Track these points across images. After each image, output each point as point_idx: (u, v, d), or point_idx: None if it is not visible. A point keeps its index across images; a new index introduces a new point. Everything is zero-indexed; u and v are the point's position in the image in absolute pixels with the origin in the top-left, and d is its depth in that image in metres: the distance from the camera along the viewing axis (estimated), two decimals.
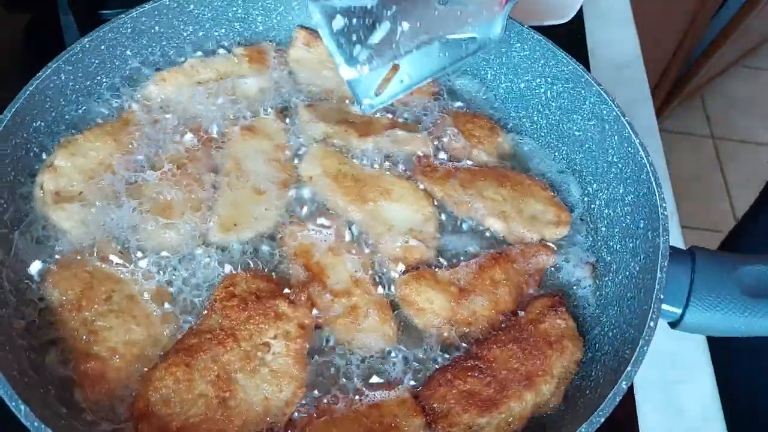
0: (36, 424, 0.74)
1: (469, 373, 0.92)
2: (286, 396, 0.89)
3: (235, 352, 0.90)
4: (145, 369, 0.90)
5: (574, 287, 1.07)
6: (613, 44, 1.75)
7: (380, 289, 1.02)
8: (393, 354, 0.97)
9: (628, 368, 0.84)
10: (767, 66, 4.50)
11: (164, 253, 1.02)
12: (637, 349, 0.85)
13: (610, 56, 1.71)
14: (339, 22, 0.80)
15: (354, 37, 0.83)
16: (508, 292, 1.02)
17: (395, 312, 1.01)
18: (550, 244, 1.10)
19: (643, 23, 1.88)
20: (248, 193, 1.09)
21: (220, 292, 0.96)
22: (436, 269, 1.05)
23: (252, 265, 1.03)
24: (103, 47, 1.14)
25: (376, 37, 0.83)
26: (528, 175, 1.19)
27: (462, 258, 1.08)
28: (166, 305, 0.97)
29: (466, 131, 1.21)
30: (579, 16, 1.69)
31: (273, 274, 1.02)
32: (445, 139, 1.22)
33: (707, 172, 4.01)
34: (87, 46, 1.11)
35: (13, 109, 0.99)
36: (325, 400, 0.91)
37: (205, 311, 0.96)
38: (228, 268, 1.01)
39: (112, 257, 1.00)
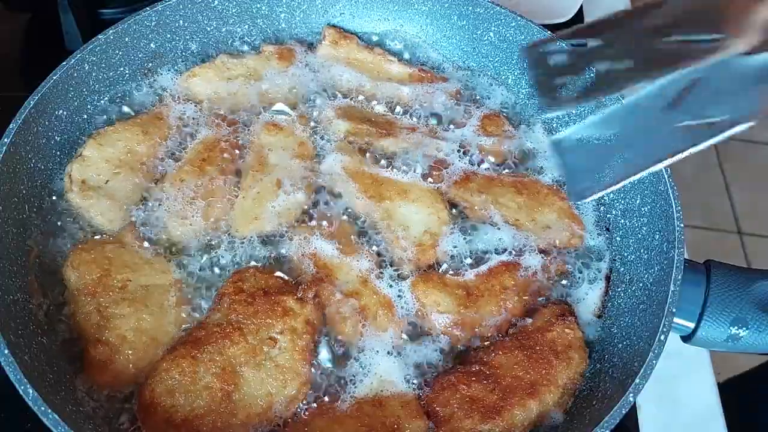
0: (43, 408, 0.75)
1: (474, 378, 0.92)
2: (290, 392, 0.89)
3: (240, 346, 0.90)
4: (153, 359, 0.91)
5: (586, 296, 1.06)
6: None
7: (389, 291, 1.02)
8: (399, 355, 0.97)
9: (636, 381, 0.83)
10: None
11: (184, 245, 1.04)
12: (646, 362, 0.84)
13: None
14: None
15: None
16: (517, 299, 1.02)
17: (403, 314, 1.00)
18: (562, 257, 1.10)
19: None
20: (270, 187, 1.10)
21: (228, 286, 0.97)
22: (445, 272, 1.05)
23: (264, 261, 1.04)
24: (127, 39, 1.15)
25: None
26: (548, 184, 1.18)
27: (472, 263, 1.08)
28: (181, 297, 0.98)
29: (486, 134, 1.21)
30: (579, 15, 1.68)
31: (282, 271, 1.03)
32: (466, 142, 1.21)
33: (707, 172, 3.94)
34: (111, 37, 1.13)
35: (37, 97, 1.01)
36: (328, 398, 0.92)
37: (213, 305, 0.97)
38: (240, 263, 1.03)
39: (132, 246, 1.02)
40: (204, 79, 1.21)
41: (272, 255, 1.05)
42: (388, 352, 0.97)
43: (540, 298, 1.05)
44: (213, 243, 1.05)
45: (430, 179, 1.16)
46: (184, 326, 0.96)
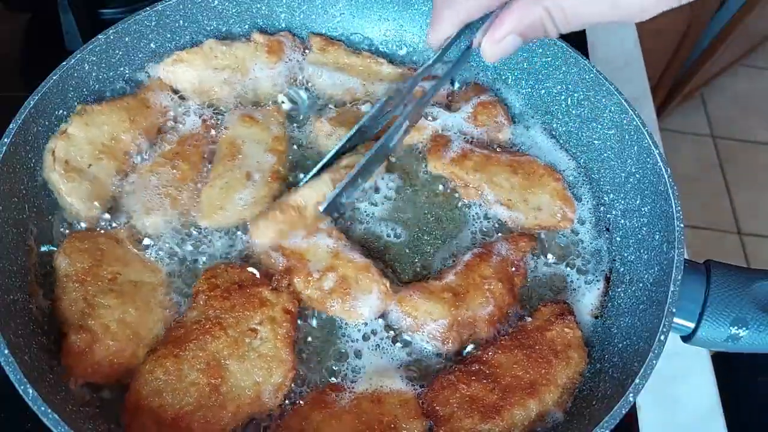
0: (43, 408, 0.75)
1: (473, 378, 0.92)
2: (276, 379, 0.90)
3: (222, 340, 0.90)
4: (134, 356, 0.91)
5: (585, 296, 1.06)
6: (613, 43, 1.73)
7: (362, 255, 1.03)
8: (398, 353, 0.97)
9: (636, 381, 0.83)
10: (767, 65, 4.44)
11: (166, 238, 1.04)
12: (646, 362, 0.84)
13: (610, 55, 1.69)
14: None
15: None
16: (501, 286, 1.01)
17: (398, 332, 1.01)
18: (532, 233, 1.12)
19: (644, 22, 1.87)
20: (239, 179, 1.09)
21: (201, 284, 0.97)
22: (426, 280, 1.05)
23: (233, 256, 1.04)
24: (127, 39, 1.15)
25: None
26: (545, 165, 1.18)
27: (449, 262, 1.09)
28: (168, 298, 0.99)
29: (476, 123, 1.23)
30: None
31: (252, 266, 1.03)
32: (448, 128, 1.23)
33: (707, 172, 3.97)
34: (111, 37, 1.12)
35: (37, 97, 1.01)
36: (326, 390, 0.92)
37: (190, 304, 0.97)
38: (214, 258, 1.03)
39: (124, 239, 1.02)
40: (191, 65, 1.20)
41: (239, 252, 1.05)
42: (387, 347, 0.97)
43: (521, 282, 1.06)
44: (189, 235, 1.05)
45: (425, 157, 1.19)
46: (169, 323, 0.96)
